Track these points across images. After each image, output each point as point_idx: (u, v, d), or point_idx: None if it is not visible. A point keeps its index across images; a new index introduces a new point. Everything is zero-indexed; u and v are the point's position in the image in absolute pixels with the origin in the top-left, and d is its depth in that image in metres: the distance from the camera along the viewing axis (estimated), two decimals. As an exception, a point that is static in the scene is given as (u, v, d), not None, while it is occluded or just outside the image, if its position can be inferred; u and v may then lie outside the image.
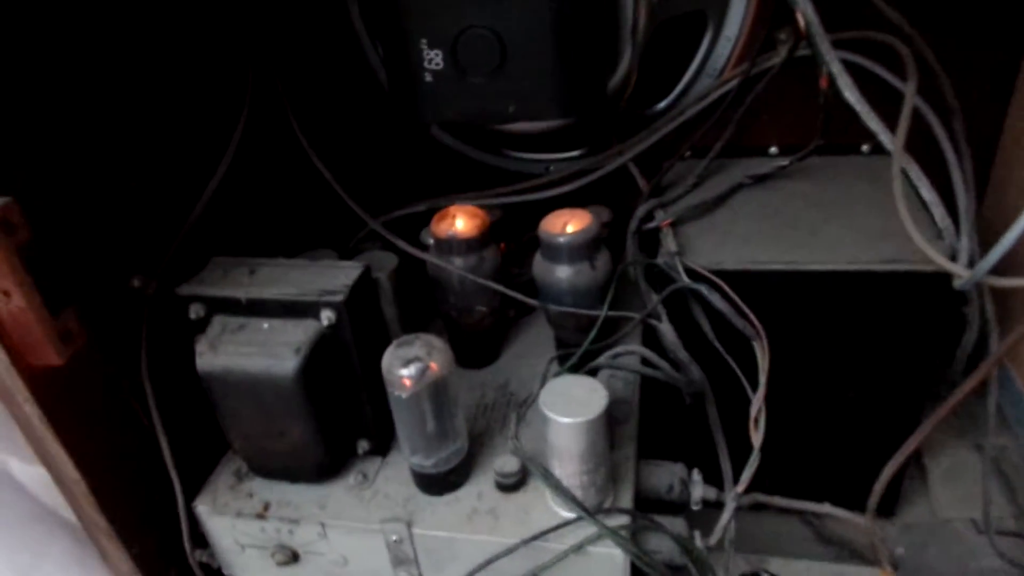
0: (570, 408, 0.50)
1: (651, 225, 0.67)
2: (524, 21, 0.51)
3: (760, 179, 0.71)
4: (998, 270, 0.51)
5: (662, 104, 0.76)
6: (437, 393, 0.53)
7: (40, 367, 0.47)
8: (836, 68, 0.58)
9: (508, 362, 0.70)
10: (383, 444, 0.61)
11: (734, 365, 0.58)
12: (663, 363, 0.59)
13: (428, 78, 0.54)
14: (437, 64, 0.53)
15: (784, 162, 0.71)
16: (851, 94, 0.58)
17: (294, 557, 0.59)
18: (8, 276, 0.43)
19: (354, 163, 0.74)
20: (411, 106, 0.56)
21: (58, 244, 0.47)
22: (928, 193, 0.61)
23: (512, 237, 0.73)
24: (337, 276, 0.55)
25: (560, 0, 0.50)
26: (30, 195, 0.44)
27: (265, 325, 0.54)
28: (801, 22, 0.56)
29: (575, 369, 0.59)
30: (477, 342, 0.69)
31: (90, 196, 0.51)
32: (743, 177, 0.71)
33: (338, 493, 0.58)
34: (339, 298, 0.53)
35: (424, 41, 0.52)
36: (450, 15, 0.51)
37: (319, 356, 0.53)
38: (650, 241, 0.68)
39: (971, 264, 0.58)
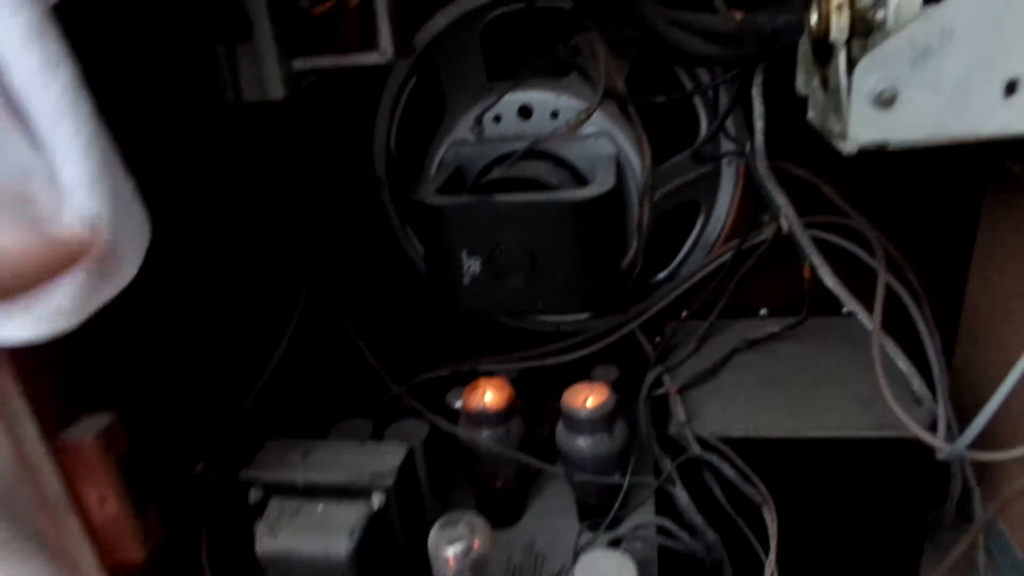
0: (603, 584, 0.55)
1: (660, 391, 0.74)
2: (552, 238, 0.59)
3: (753, 343, 0.79)
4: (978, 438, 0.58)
5: (662, 275, 0.85)
6: (478, 570, 0.57)
7: (122, 562, 0.51)
8: (817, 261, 0.67)
9: (532, 521, 0.75)
10: (421, 613, 0.65)
11: (746, 530, 0.63)
12: (682, 533, 0.64)
13: (467, 280, 0.61)
14: (475, 270, 0.61)
15: (775, 329, 0.79)
16: (831, 281, 0.67)
17: None
18: (107, 485, 0.48)
19: (380, 330, 0.81)
20: (450, 302, 0.64)
21: (145, 450, 0.52)
22: (905, 366, 0.68)
23: (528, 394, 0.80)
24: (384, 459, 0.61)
25: (581, 223, 0.59)
26: (126, 408, 0.50)
27: (319, 507, 0.59)
28: (784, 225, 0.65)
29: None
30: (503, 503, 0.73)
31: (169, 402, 0.58)
32: (738, 341, 0.79)
33: (380, 664, 0.62)
34: (388, 482, 0.58)
35: (464, 251, 0.61)
36: (487, 232, 0.60)
37: (369, 536, 0.58)
38: (660, 404, 0.75)
39: (949, 428, 0.65)
